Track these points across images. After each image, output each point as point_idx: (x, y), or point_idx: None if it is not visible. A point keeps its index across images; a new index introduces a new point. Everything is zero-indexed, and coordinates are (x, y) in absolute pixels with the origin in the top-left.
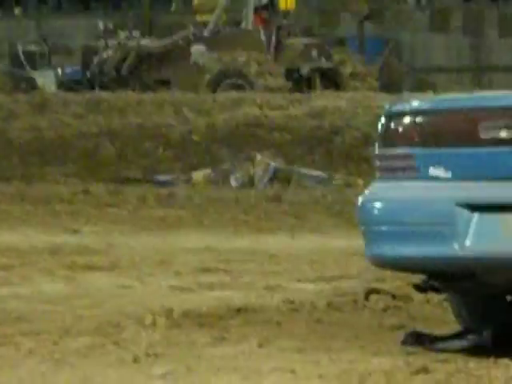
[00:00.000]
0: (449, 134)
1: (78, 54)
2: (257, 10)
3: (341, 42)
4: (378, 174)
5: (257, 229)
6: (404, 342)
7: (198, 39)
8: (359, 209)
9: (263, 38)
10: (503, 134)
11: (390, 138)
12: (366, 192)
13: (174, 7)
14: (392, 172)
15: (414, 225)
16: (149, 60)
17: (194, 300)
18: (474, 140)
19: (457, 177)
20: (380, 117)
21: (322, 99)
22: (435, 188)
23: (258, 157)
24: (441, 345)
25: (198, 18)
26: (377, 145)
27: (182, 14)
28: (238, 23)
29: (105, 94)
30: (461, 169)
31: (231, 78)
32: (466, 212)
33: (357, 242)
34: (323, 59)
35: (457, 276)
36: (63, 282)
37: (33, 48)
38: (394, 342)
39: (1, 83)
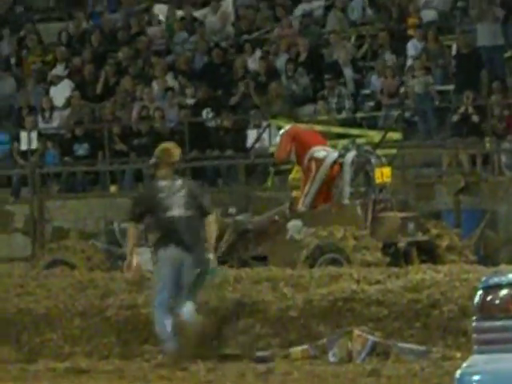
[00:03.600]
0: None
1: None
2: None
3: (437, 215)
4: (475, 347)
5: None
6: None
7: (295, 215)
8: (458, 382)
9: (359, 212)
10: None
11: (487, 311)
12: (465, 365)
13: (269, 183)
14: (490, 344)
15: None
16: (246, 236)
17: None
18: None
19: None
20: (477, 290)
21: (419, 273)
22: None
23: (356, 332)
24: None
25: (294, 193)
26: (474, 318)
27: (278, 190)
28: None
29: None
30: None
31: (328, 254)
32: None
33: None
34: (420, 233)
35: None
36: None
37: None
38: None
39: (98, 261)
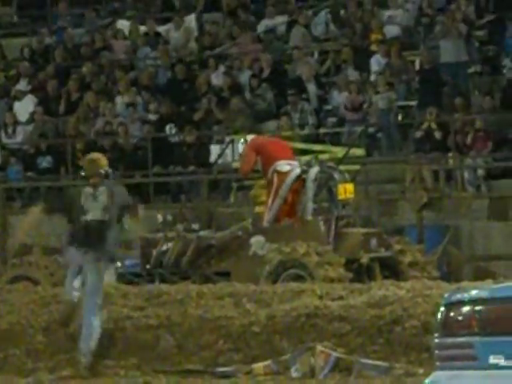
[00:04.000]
0: (508, 322)
1: (137, 247)
2: None
3: (400, 231)
4: (438, 363)
5: None
6: None
7: (258, 230)
8: None
9: (322, 228)
10: None
11: (449, 327)
12: (427, 381)
13: (232, 199)
14: (452, 361)
15: None
16: (208, 252)
17: None
18: None
19: None
20: (440, 306)
21: (382, 289)
22: (496, 376)
23: (319, 347)
24: None
25: (257, 209)
26: (437, 334)
27: (241, 205)
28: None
29: (165, 287)
30: None
31: (291, 269)
32: None
33: None
34: (382, 249)
35: None
36: None
37: None
38: None
39: (61, 276)
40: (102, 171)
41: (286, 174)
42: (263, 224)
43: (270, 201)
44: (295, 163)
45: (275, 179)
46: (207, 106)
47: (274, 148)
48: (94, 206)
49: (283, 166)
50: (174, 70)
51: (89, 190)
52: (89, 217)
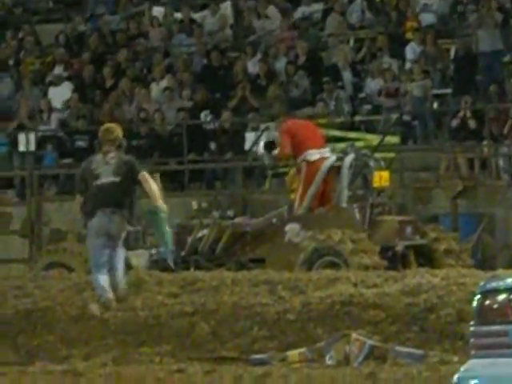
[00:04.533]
0: None
1: (172, 234)
2: None
3: (434, 219)
4: (473, 352)
5: None
6: None
7: (293, 218)
8: None
9: (357, 215)
10: None
11: (484, 316)
12: (462, 369)
13: (267, 186)
14: (488, 349)
15: None
16: (243, 239)
17: None
18: None
19: None
20: (475, 294)
21: (417, 277)
22: None
23: (354, 335)
24: None
25: (292, 195)
26: (472, 322)
27: (276, 193)
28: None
29: (200, 274)
30: None
31: (326, 257)
32: None
33: None
34: (417, 237)
35: None
36: None
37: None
38: None
39: None
40: (113, 138)
41: (315, 163)
42: (298, 211)
43: (300, 188)
44: (326, 150)
45: (304, 168)
46: (242, 93)
47: (306, 134)
48: (105, 169)
49: (313, 154)
50: (210, 57)
51: (99, 156)
52: (100, 181)
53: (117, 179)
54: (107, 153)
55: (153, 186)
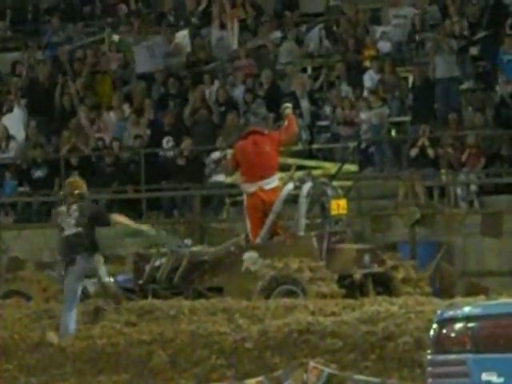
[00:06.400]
0: (501, 338)
1: (129, 262)
2: None
3: (392, 247)
4: (430, 380)
5: None
6: None
7: (251, 246)
8: None
9: (315, 244)
10: None
11: (442, 344)
12: None
13: (225, 214)
14: (445, 378)
15: None
16: (201, 267)
17: None
18: None
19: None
20: (432, 322)
21: (375, 305)
22: None
23: (311, 363)
24: None
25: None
26: (429, 351)
27: (234, 221)
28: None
29: (157, 302)
30: None
31: (284, 285)
32: None
33: None
34: (375, 265)
35: None
36: None
37: None
38: None
39: (54, 291)
40: (76, 192)
41: (253, 195)
42: (256, 240)
43: (247, 220)
44: (267, 181)
45: (245, 200)
46: (202, 121)
47: (249, 162)
48: (69, 222)
49: (250, 187)
50: (167, 84)
51: (63, 208)
52: (65, 233)
53: (79, 230)
54: (70, 205)
55: (126, 220)
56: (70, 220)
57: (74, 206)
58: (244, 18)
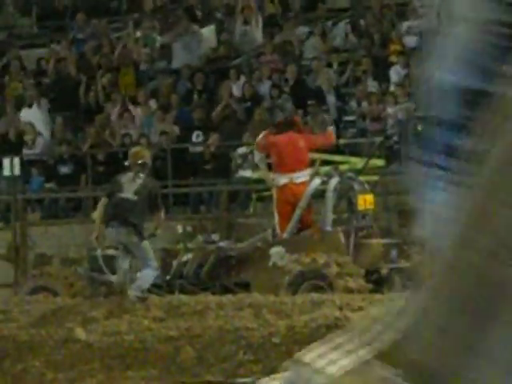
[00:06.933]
0: None
1: (157, 258)
2: None
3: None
4: None
5: None
6: None
7: (277, 241)
8: None
9: (342, 239)
10: None
11: None
12: None
13: (251, 209)
14: None
15: None
16: (228, 263)
17: None
18: None
19: None
20: None
21: (402, 299)
22: None
23: None
24: None
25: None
26: None
27: (260, 216)
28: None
29: (185, 298)
30: None
31: (311, 280)
32: None
33: None
34: (402, 260)
35: None
36: None
37: (112, 252)
38: None
39: (80, 287)
40: (140, 162)
41: (283, 188)
42: (283, 235)
43: (275, 214)
44: (299, 174)
45: (274, 194)
46: (228, 116)
47: (280, 154)
48: (130, 186)
49: (280, 179)
50: (193, 80)
51: (130, 174)
52: (123, 195)
53: (135, 198)
54: (137, 173)
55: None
56: (132, 185)
57: (141, 175)
58: (271, 13)
